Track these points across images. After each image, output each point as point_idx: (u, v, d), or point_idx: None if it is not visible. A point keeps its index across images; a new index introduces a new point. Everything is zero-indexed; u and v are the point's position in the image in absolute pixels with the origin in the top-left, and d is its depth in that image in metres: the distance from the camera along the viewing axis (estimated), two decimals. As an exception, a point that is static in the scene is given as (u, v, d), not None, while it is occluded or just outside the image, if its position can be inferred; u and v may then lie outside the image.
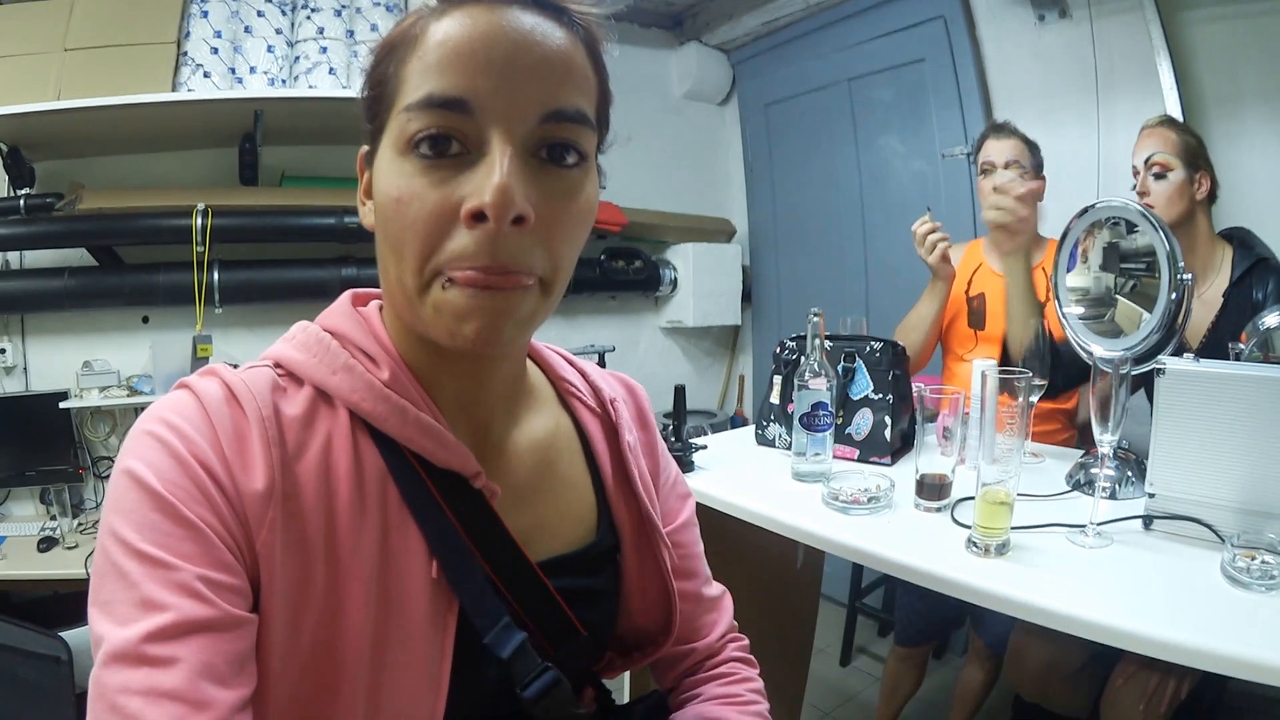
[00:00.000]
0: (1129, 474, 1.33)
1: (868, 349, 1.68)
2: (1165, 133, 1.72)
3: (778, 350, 1.82)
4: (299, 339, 0.66)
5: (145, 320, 2.85)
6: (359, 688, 0.59)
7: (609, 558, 0.79)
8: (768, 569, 1.18)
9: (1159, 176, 1.69)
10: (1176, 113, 2.18)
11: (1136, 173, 1.74)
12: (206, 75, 2.52)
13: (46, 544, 2.44)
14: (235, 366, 0.64)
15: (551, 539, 0.73)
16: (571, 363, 0.87)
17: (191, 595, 0.51)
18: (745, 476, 1.59)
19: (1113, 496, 1.32)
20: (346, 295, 0.72)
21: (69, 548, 2.43)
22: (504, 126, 0.57)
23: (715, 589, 0.93)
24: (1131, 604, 0.98)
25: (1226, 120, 2.20)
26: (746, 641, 0.94)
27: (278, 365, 0.65)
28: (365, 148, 0.65)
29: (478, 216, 0.55)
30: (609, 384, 0.87)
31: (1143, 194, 1.70)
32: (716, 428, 3.73)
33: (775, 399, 1.78)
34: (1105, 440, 1.14)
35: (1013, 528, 1.14)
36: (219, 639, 0.52)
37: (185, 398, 0.60)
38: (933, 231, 1.93)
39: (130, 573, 0.52)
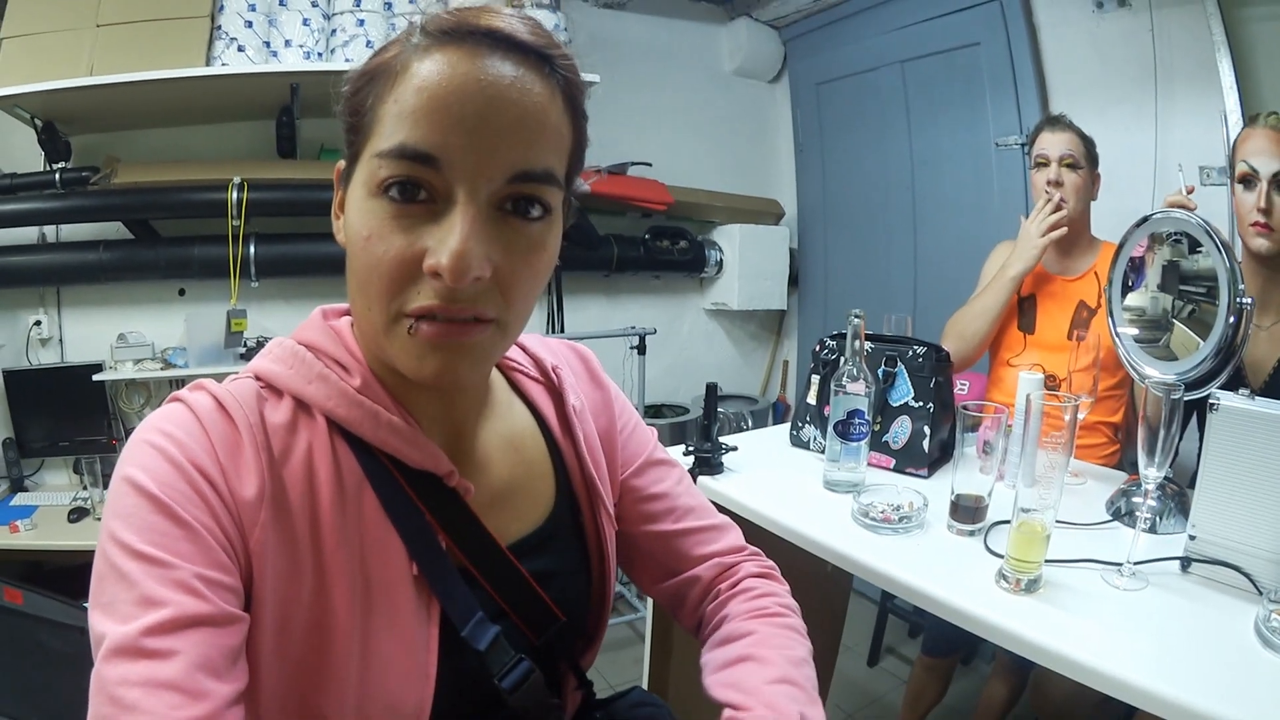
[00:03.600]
0: (1171, 505, 1.26)
1: (910, 353, 1.61)
2: None
3: (817, 349, 1.76)
4: (275, 353, 0.69)
5: (182, 293, 2.87)
6: (349, 680, 0.62)
7: (572, 526, 0.82)
8: (799, 559, 1.16)
9: None
10: (1236, 113, 2.07)
11: (1247, 178, 1.47)
12: (241, 49, 2.48)
13: (77, 514, 2.48)
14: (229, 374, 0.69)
15: (522, 522, 0.77)
16: None
17: (189, 592, 0.54)
18: (775, 482, 1.55)
19: (1153, 530, 1.25)
20: (318, 311, 0.75)
21: (99, 519, 2.44)
22: (470, 185, 0.58)
23: (711, 519, 0.94)
24: (1158, 660, 0.92)
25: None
26: (771, 563, 0.94)
27: (258, 378, 0.67)
28: (343, 164, 0.67)
29: (436, 274, 0.57)
30: (550, 351, 0.91)
31: (1266, 211, 1.44)
32: (758, 415, 3.69)
33: (812, 399, 1.73)
34: (1150, 476, 1.08)
35: (1047, 560, 1.08)
36: (215, 634, 0.54)
37: (179, 409, 0.62)
38: (1058, 210, 1.84)
39: (130, 573, 0.54)
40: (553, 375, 0.86)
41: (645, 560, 0.93)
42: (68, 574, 2.30)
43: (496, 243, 0.60)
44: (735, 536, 0.94)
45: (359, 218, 0.61)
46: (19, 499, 2.61)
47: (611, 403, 0.92)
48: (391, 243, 0.59)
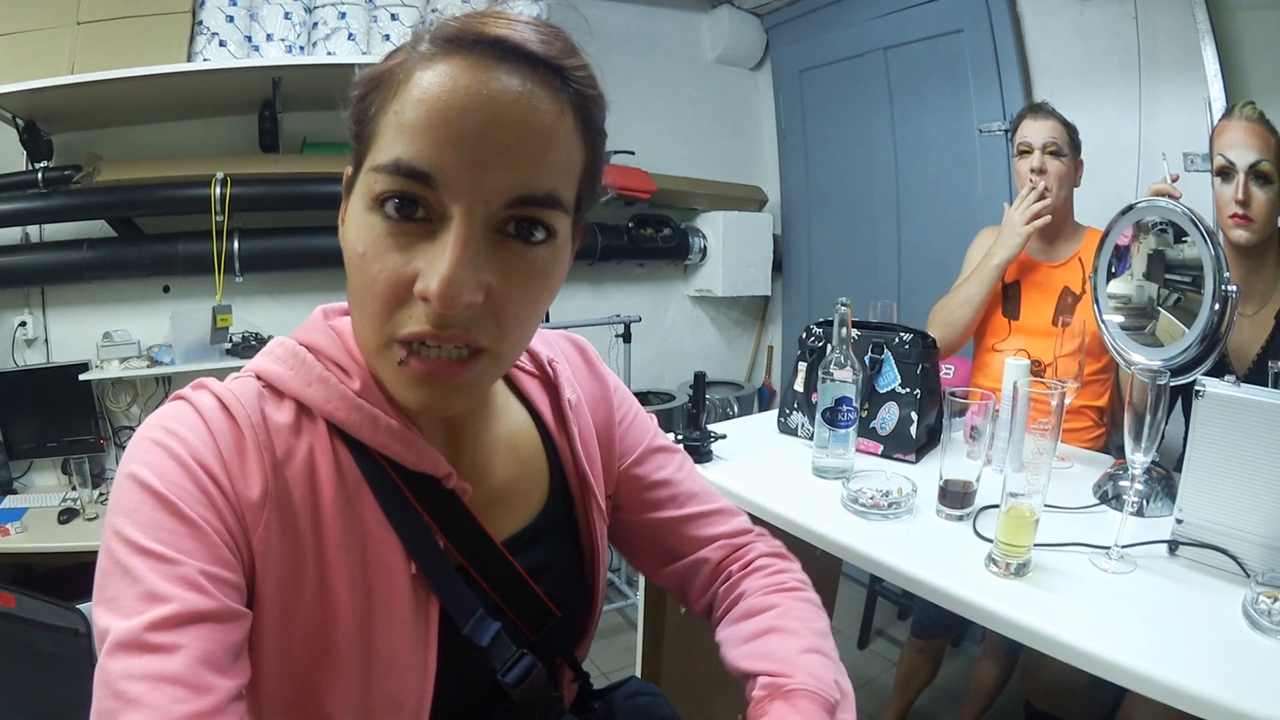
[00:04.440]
0: (1158, 489, 1.28)
1: (896, 340, 1.62)
2: (1265, 134, 1.46)
3: (804, 336, 1.76)
4: (276, 353, 0.69)
5: (166, 290, 2.85)
6: (351, 677, 0.63)
7: (565, 520, 0.82)
8: (787, 542, 1.18)
9: (1265, 181, 1.44)
10: (1220, 101, 2.08)
11: (1225, 170, 1.48)
12: (223, 44, 2.47)
13: (67, 515, 2.46)
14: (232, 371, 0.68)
15: (516, 519, 0.78)
16: None
17: (193, 588, 0.54)
18: (765, 469, 1.56)
19: (1140, 513, 1.27)
20: (319, 310, 0.74)
21: (89, 519, 2.46)
22: (466, 205, 0.56)
23: (716, 503, 0.93)
24: (1146, 642, 0.94)
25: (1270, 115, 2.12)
26: (779, 544, 0.93)
27: (259, 377, 0.67)
28: (349, 170, 0.65)
29: (426, 299, 0.55)
30: (547, 344, 0.89)
31: (1244, 202, 1.45)
32: (743, 401, 3.70)
33: (799, 386, 1.74)
34: (1137, 461, 1.09)
35: (1035, 544, 1.10)
36: (218, 629, 0.54)
37: (183, 408, 0.62)
38: (1041, 198, 1.86)
39: (134, 569, 0.54)
40: (548, 369, 0.85)
41: (650, 546, 0.92)
42: (59, 576, 2.28)
43: (492, 266, 0.58)
44: (742, 520, 0.93)
45: (356, 231, 0.59)
46: (8, 501, 2.60)
47: (610, 394, 0.91)
48: (385, 263, 0.57)
